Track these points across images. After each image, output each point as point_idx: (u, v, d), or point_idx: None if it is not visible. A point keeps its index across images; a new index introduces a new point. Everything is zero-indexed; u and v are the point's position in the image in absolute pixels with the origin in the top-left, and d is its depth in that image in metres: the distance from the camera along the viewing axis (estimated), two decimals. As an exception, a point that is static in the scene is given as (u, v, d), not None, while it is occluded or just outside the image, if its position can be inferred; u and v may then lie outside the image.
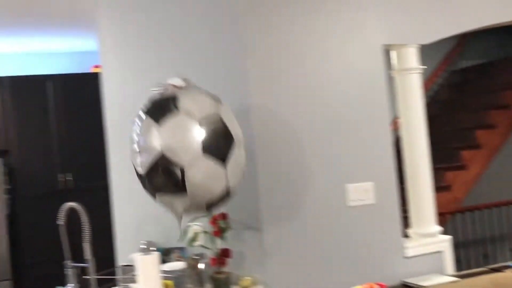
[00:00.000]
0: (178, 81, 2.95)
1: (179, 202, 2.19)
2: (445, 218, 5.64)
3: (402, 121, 3.38)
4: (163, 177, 2.15)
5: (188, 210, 2.28)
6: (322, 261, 2.88)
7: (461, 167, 6.13)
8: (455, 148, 6.23)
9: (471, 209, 5.76)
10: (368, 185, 3.03)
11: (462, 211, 5.73)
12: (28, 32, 4.98)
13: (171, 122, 2.22)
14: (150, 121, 2.25)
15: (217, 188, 2.26)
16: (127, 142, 3.19)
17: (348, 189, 2.98)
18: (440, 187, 5.98)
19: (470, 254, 5.79)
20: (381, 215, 3.06)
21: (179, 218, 2.27)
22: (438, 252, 3.24)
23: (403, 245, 3.12)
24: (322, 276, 2.88)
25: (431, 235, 3.27)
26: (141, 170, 2.21)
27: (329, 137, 2.98)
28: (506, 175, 6.86)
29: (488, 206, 5.80)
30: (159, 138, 2.19)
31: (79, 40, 5.44)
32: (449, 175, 6.08)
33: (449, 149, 6.24)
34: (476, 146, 6.24)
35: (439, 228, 3.34)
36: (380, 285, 2.31)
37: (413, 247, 3.16)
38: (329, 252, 2.90)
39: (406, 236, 3.31)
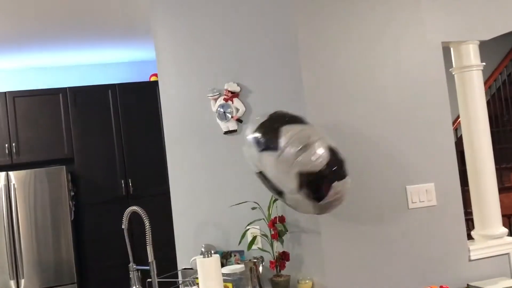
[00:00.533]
0: (233, 86, 2.99)
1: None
2: (510, 220, 5.42)
3: (463, 120, 3.28)
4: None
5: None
6: (382, 265, 2.83)
7: (527, 167, 5.89)
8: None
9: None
10: (429, 186, 2.96)
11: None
12: (89, 45, 5.18)
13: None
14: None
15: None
16: (185, 148, 3.28)
17: (408, 190, 2.92)
18: (504, 187, 5.77)
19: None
20: (444, 217, 2.98)
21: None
22: (505, 254, 3.12)
23: (468, 247, 3.02)
24: (383, 281, 2.83)
25: (497, 236, 3.15)
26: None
27: (388, 138, 2.92)
28: None
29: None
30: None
31: (138, 50, 5.62)
32: (514, 175, 5.85)
33: (513, 148, 6.01)
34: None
35: (505, 230, 3.21)
36: (444, 288, 2.24)
37: (478, 249, 3.05)
38: (390, 256, 2.85)
39: (470, 238, 3.20)
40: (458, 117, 3.45)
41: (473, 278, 2.97)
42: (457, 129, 6.14)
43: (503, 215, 5.20)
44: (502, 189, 5.76)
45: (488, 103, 6.22)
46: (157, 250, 3.32)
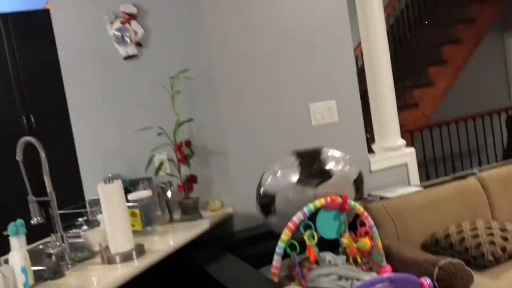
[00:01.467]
0: (130, 8, 2.85)
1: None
2: (414, 135, 5.72)
3: (363, 41, 3.35)
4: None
5: None
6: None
7: (429, 84, 6.17)
8: (422, 65, 6.24)
9: (439, 125, 5.85)
10: (331, 103, 3.03)
11: (430, 127, 5.82)
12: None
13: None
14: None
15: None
16: (84, 77, 3.13)
17: (311, 108, 2.98)
18: (408, 105, 6.05)
19: (440, 169, 5.92)
20: (345, 132, 3.07)
21: None
22: (403, 164, 3.31)
23: (368, 160, 3.16)
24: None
25: (395, 148, 3.32)
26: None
27: (290, 60, 2.95)
28: (473, 90, 6.96)
29: (455, 121, 5.88)
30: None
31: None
32: (417, 92, 6.12)
33: (416, 67, 6.25)
34: (442, 62, 6.26)
35: (402, 141, 3.39)
36: (343, 196, 2.34)
37: (378, 161, 3.21)
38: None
39: (371, 151, 3.36)
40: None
41: (374, 188, 3.12)
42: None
43: (406, 131, 5.49)
44: (406, 106, 6.04)
45: (395, 23, 6.38)
46: (68, 184, 3.23)
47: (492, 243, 2.62)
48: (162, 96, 2.71)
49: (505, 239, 2.65)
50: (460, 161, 6.05)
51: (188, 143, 2.74)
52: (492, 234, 2.66)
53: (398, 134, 3.38)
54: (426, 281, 2.09)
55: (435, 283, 2.23)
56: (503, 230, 2.71)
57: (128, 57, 2.92)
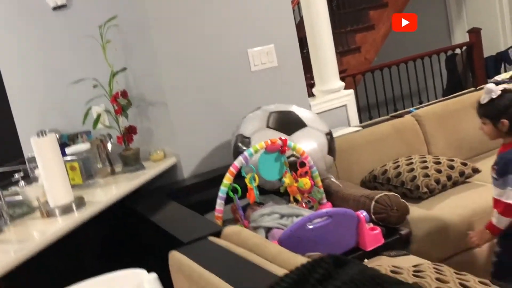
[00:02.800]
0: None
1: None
2: (357, 79, 5.81)
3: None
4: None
5: None
6: (229, 125, 2.89)
7: (370, 28, 6.22)
8: (363, 9, 6.27)
9: (381, 68, 5.95)
10: (269, 48, 3.02)
11: (372, 70, 5.90)
12: None
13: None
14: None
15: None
16: (11, 31, 3.00)
17: (250, 53, 2.97)
18: (350, 49, 6.10)
19: (383, 112, 6.06)
20: (285, 76, 3.09)
21: None
22: (343, 106, 3.37)
23: (309, 103, 3.20)
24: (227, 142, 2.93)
25: (335, 90, 3.37)
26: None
27: (226, 5, 2.89)
28: (413, 32, 7.06)
29: (396, 63, 5.98)
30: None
31: None
32: (359, 36, 6.17)
33: (358, 11, 6.28)
34: (383, 5, 6.31)
35: (341, 83, 3.44)
36: (283, 140, 2.38)
37: (319, 104, 3.26)
38: (235, 117, 2.91)
39: (312, 95, 3.40)
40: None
41: (314, 130, 3.17)
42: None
43: (349, 75, 5.56)
44: (348, 51, 6.10)
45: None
46: (7, 143, 3.15)
47: (427, 175, 2.73)
48: (94, 46, 2.63)
49: (439, 171, 2.77)
50: (402, 104, 6.20)
51: (124, 94, 2.69)
52: (426, 168, 2.78)
53: (337, 77, 3.43)
54: (362, 214, 2.17)
55: (372, 216, 2.32)
56: (437, 163, 2.83)
57: (57, 8, 2.81)
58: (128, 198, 2.37)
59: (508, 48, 6.53)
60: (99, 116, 2.71)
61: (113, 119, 2.69)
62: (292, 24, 3.10)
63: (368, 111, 5.78)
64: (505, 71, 6.00)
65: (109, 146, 2.71)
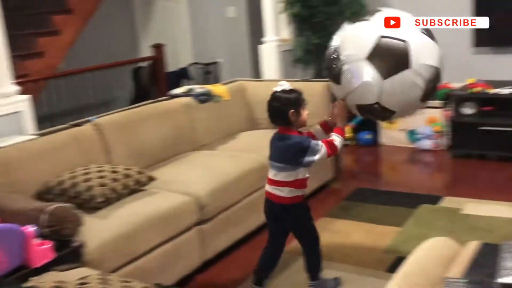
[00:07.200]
0: None
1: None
2: (40, 85, 5.48)
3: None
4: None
5: None
6: None
7: (54, 33, 5.94)
8: (45, 13, 5.96)
9: (65, 74, 5.74)
10: None
11: (55, 76, 5.65)
12: None
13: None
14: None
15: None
16: None
17: None
18: (32, 53, 5.73)
19: (68, 122, 5.84)
20: None
21: None
22: (17, 112, 3.12)
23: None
24: None
25: (7, 95, 3.10)
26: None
27: None
28: (101, 41, 7.06)
29: (82, 71, 5.86)
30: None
31: None
32: (42, 41, 5.83)
33: (40, 14, 5.95)
34: (68, 11, 6.10)
35: (16, 88, 3.18)
36: None
37: (-13, 109, 2.94)
38: None
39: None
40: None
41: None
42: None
43: (30, 80, 5.18)
44: (30, 55, 5.71)
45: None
46: None
47: (103, 185, 2.72)
48: None
49: (116, 180, 2.79)
50: (91, 114, 6.09)
51: None
52: (103, 177, 2.76)
53: (9, 81, 3.15)
54: (29, 229, 2.02)
55: (45, 229, 2.19)
56: (114, 172, 2.84)
57: None
58: None
59: (189, 65, 7.09)
60: None
61: None
62: None
63: (50, 121, 5.50)
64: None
65: None
